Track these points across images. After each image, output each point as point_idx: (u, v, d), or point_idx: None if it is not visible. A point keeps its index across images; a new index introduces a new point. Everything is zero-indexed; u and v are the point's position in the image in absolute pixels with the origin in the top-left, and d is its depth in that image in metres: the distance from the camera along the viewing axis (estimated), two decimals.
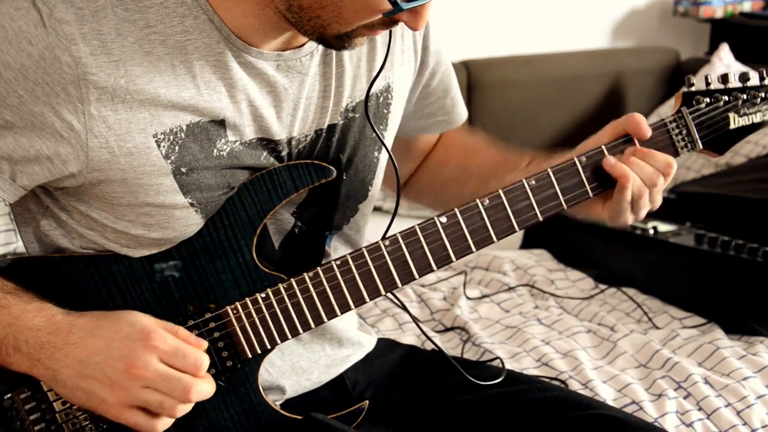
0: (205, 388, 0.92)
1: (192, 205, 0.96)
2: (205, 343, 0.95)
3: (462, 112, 1.26)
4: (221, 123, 0.96)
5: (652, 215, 2.10)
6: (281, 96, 1.00)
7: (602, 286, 1.93)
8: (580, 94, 3.05)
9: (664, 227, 1.99)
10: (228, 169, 0.97)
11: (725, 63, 2.87)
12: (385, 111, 1.10)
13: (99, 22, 0.90)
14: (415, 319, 1.20)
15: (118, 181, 0.93)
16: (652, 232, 1.95)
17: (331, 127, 1.05)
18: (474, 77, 2.92)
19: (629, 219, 1.06)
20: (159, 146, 0.93)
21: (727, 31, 3.19)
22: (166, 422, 0.93)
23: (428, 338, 1.18)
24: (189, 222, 0.96)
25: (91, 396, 0.91)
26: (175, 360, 0.91)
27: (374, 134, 1.07)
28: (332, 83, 1.04)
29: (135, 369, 0.89)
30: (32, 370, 0.92)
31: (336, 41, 0.93)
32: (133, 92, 0.91)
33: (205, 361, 0.92)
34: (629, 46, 3.35)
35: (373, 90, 1.07)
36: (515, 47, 3.09)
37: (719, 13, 3.21)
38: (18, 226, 1.03)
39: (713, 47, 3.15)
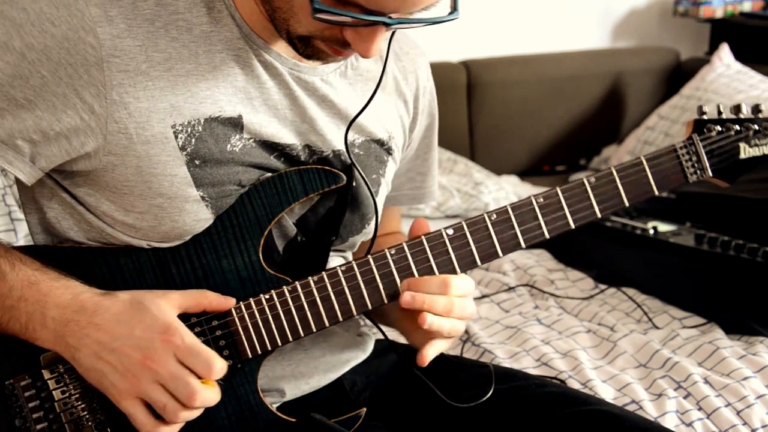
0: (209, 395, 0.92)
1: (203, 198, 0.96)
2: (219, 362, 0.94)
3: (434, 191, 1.26)
4: (238, 119, 0.97)
5: (652, 215, 2.12)
6: (297, 102, 1.01)
7: (602, 286, 1.93)
8: (580, 94, 3.06)
9: (664, 227, 1.99)
10: (240, 165, 0.98)
11: (725, 63, 2.87)
12: (385, 158, 1.12)
13: (127, 6, 0.91)
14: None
15: (133, 168, 0.93)
16: (652, 232, 1.95)
17: (341, 153, 1.06)
18: (474, 77, 2.92)
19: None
20: (176, 137, 0.94)
21: (727, 31, 3.19)
22: (170, 429, 0.92)
23: (411, 366, 1.16)
24: (199, 216, 0.97)
25: (102, 378, 0.92)
26: (189, 358, 0.91)
27: (373, 174, 1.10)
28: (341, 114, 1.05)
29: (150, 361, 0.90)
30: (55, 346, 0.93)
31: (301, 45, 0.94)
32: (154, 78, 0.92)
33: (218, 363, 0.92)
34: (629, 46, 3.35)
35: (379, 136, 1.10)
36: (515, 47, 3.09)
37: (719, 13, 3.21)
38: (26, 216, 1.04)
39: (713, 47, 3.15)
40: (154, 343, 0.90)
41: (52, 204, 1.00)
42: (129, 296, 0.93)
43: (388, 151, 1.12)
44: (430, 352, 1.02)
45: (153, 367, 0.90)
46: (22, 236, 1.74)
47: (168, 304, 0.93)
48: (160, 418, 0.92)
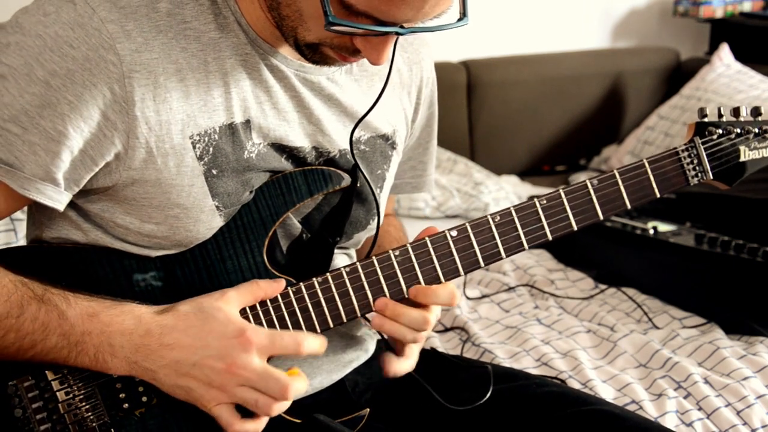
0: (300, 385, 0.92)
1: (218, 208, 0.96)
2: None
3: (432, 181, 1.27)
4: (249, 124, 0.97)
5: (652, 215, 2.12)
6: (303, 103, 1.01)
7: (602, 286, 1.93)
8: (580, 94, 3.06)
9: (664, 227, 1.99)
10: (254, 171, 0.98)
11: (725, 63, 2.87)
12: (390, 153, 1.12)
13: (142, 19, 0.91)
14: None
15: (152, 181, 0.93)
16: (652, 232, 1.95)
17: (347, 153, 1.06)
18: (474, 77, 2.92)
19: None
20: (194, 147, 0.94)
21: (727, 31, 3.19)
22: (255, 424, 0.93)
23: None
24: (212, 225, 0.97)
25: (189, 392, 0.92)
26: (274, 348, 0.91)
27: (378, 170, 1.10)
28: (347, 112, 1.05)
29: (235, 368, 0.90)
30: (131, 372, 0.93)
31: (309, 52, 0.94)
32: (171, 90, 0.92)
33: (302, 336, 0.93)
34: (629, 46, 3.35)
35: (384, 131, 1.10)
36: (515, 47, 3.09)
37: (719, 13, 3.21)
38: (28, 228, 1.04)
39: (713, 47, 3.15)
40: (233, 350, 0.90)
41: (52, 224, 0.99)
42: (189, 307, 0.93)
43: (393, 146, 1.13)
44: (405, 367, 1.07)
45: (239, 373, 0.90)
46: (22, 236, 1.74)
47: (229, 307, 0.93)
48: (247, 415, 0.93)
